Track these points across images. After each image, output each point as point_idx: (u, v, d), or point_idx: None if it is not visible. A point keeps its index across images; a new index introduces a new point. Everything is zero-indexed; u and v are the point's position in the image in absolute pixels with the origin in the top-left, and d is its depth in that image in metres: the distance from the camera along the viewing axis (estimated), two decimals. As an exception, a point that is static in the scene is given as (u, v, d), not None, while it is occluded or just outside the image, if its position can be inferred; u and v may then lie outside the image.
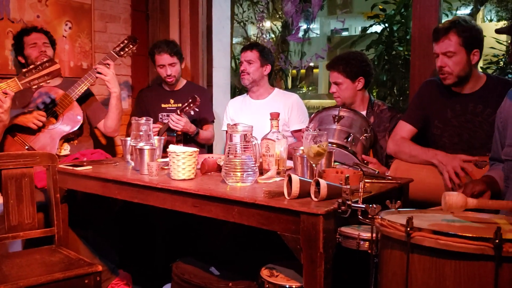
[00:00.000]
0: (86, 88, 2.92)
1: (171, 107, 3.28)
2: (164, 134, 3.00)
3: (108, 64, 2.95)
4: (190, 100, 3.01)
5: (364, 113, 2.59)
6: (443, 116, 2.32)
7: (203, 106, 3.21)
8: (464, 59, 2.18)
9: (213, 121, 3.37)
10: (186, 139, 3.14)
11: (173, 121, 3.00)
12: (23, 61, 2.90)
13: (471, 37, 2.17)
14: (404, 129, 2.41)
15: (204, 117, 3.28)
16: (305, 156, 1.87)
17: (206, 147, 3.42)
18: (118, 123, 3.05)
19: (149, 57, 3.50)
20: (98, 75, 2.92)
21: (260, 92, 3.14)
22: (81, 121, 2.93)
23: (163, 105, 3.30)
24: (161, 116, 3.28)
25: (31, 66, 2.56)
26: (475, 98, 2.25)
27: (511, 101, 1.84)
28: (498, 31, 1.84)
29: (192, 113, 3.07)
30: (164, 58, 3.17)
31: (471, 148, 2.23)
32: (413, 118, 2.41)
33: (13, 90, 2.52)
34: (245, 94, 3.25)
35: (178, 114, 3.01)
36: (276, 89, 3.19)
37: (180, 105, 3.22)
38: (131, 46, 3.08)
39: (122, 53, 3.06)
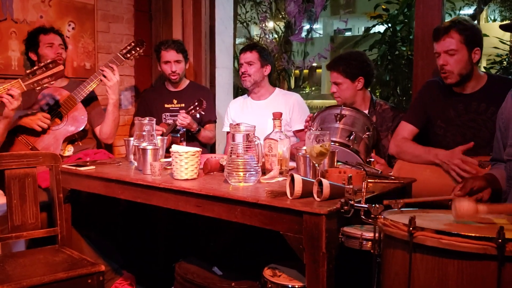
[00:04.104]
0: (91, 89, 2.92)
1: (174, 107, 3.28)
2: (169, 135, 3.01)
3: (113, 69, 2.92)
4: (196, 103, 3.00)
5: (366, 112, 2.59)
6: (446, 116, 2.32)
7: (206, 106, 3.21)
8: (466, 57, 2.18)
9: (215, 121, 3.37)
10: (188, 136, 3.15)
11: (180, 119, 3.01)
12: (35, 58, 2.89)
13: (472, 35, 2.18)
14: (406, 129, 2.40)
15: (206, 117, 3.28)
16: (307, 156, 1.87)
17: (209, 147, 3.43)
18: (113, 130, 3.03)
19: (152, 58, 3.50)
20: (102, 78, 2.90)
21: (261, 92, 3.12)
22: (85, 123, 2.93)
23: (166, 105, 3.30)
24: (164, 116, 3.28)
25: (35, 68, 2.57)
26: (478, 97, 2.24)
27: None
28: (502, 26, 1.84)
29: (198, 116, 3.08)
30: (170, 54, 3.18)
31: (475, 147, 2.22)
32: (415, 118, 2.40)
33: None
34: (246, 95, 3.23)
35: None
36: (277, 89, 3.18)
37: (183, 105, 3.22)
38: (138, 49, 3.06)
39: (128, 55, 3.04)
